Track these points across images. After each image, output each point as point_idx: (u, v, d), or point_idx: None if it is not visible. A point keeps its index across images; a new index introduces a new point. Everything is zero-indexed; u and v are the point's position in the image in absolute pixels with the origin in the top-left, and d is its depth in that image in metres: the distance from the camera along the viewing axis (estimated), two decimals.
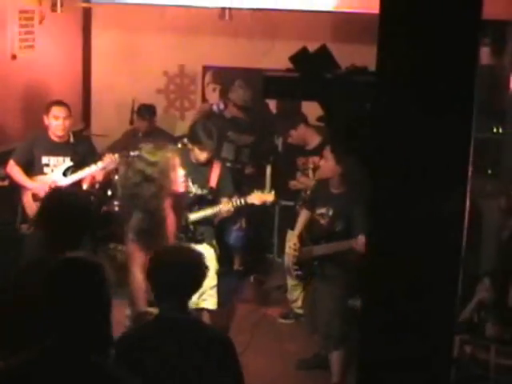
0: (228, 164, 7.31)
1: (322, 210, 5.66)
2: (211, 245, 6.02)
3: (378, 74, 2.52)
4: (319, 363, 5.86)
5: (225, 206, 5.88)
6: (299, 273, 5.84)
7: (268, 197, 6.05)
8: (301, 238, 5.83)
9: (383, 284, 2.61)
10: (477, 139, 2.57)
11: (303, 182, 6.87)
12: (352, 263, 5.32)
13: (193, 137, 5.93)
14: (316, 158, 6.47)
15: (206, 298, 5.89)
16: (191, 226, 5.90)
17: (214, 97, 8.66)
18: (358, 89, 2.67)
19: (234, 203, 5.90)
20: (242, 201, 5.95)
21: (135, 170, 4.52)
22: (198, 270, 3.27)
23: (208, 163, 6.01)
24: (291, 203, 7.49)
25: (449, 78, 2.44)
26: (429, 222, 2.53)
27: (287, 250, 5.96)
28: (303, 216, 5.97)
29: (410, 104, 2.47)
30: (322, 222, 5.66)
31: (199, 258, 3.33)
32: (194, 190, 5.99)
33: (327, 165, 5.62)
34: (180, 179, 4.73)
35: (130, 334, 3.18)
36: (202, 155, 5.89)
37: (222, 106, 7.78)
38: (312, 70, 2.67)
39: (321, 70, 2.69)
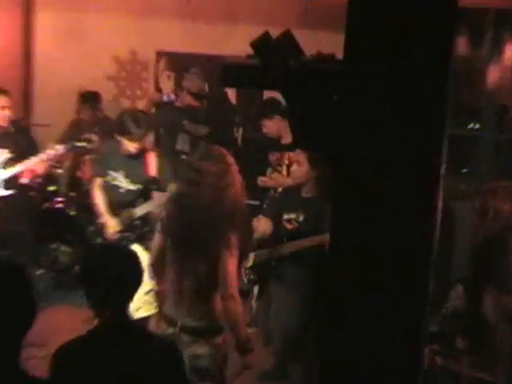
0: (183, 157, 7.30)
1: (291, 216, 5.60)
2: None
3: (346, 62, 2.53)
4: (281, 374, 5.87)
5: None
6: (252, 277, 5.80)
7: None
8: (259, 244, 5.77)
9: (346, 290, 2.61)
10: (450, 135, 2.59)
11: (275, 179, 6.80)
12: (313, 265, 5.30)
13: (120, 127, 5.90)
14: (292, 154, 6.38)
15: (141, 305, 5.76)
16: (138, 222, 5.89)
17: (168, 85, 8.63)
18: (324, 78, 2.67)
19: None
20: None
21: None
22: (135, 268, 3.23)
23: (140, 155, 6.00)
24: (253, 202, 7.49)
25: (421, 69, 2.45)
26: (397, 224, 2.53)
27: None
28: (261, 225, 5.81)
29: (379, 95, 2.47)
30: (289, 226, 5.60)
31: (134, 255, 3.29)
32: (125, 184, 5.98)
33: (300, 169, 5.54)
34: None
35: (71, 344, 3.15)
36: (131, 146, 5.87)
37: (172, 97, 7.76)
38: (274, 58, 2.67)
39: (284, 58, 2.68)
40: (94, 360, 3.03)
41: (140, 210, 5.94)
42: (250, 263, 5.75)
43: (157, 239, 4.73)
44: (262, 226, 5.76)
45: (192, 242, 4.34)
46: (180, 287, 4.38)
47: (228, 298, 4.27)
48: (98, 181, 6.13)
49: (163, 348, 3.25)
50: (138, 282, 3.23)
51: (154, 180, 5.99)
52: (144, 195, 5.99)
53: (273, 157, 6.92)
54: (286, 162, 6.60)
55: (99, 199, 6.08)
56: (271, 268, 5.60)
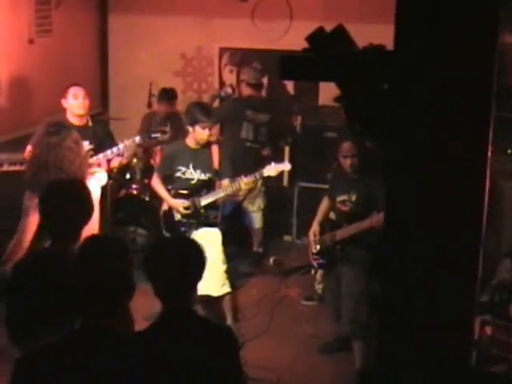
0: (248, 144, 7.34)
1: (344, 197, 5.61)
2: (219, 228, 6.09)
3: (396, 52, 2.49)
4: (341, 346, 5.83)
5: (246, 185, 5.90)
6: (321, 261, 5.80)
7: (284, 166, 6.03)
8: (321, 226, 5.80)
9: (402, 265, 2.58)
10: (497, 118, 2.53)
11: None
12: (375, 245, 5.28)
13: (190, 118, 5.96)
14: None
15: (225, 282, 5.95)
16: (202, 211, 5.94)
17: (230, 79, 8.63)
18: (375, 68, 2.63)
19: (253, 178, 5.90)
20: (258, 175, 5.95)
21: None
22: (198, 261, 3.13)
23: (205, 147, 6.06)
24: (311, 184, 7.54)
25: (468, 57, 2.39)
26: (448, 202, 2.50)
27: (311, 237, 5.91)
28: (324, 204, 5.93)
29: (428, 84, 2.43)
30: (345, 208, 5.61)
31: (198, 247, 3.19)
32: (197, 175, 6.03)
33: (354, 160, 5.53)
34: None
35: (138, 333, 3.12)
36: (203, 134, 5.90)
37: (229, 91, 7.75)
38: (329, 50, 2.64)
39: (337, 50, 2.65)
40: (155, 347, 2.96)
41: (204, 200, 5.99)
42: (315, 249, 5.76)
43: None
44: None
45: None
46: None
47: None
48: (157, 179, 6.23)
49: (221, 335, 3.18)
50: (200, 272, 3.15)
51: (216, 172, 6.07)
52: (207, 186, 6.05)
53: None
54: None
55: (160, 190, 6.18)
56: (337, 251, 5.60)
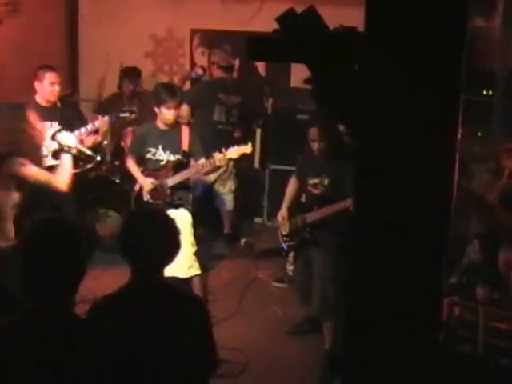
0: (220, 126, 7.32)
1: (316, 180, 5.60)
2: (188, 210, 6.06)
3: (367, 34, 2.47)
4: (310, 328, 5.85)
5: (220, 161, 5.85)
6: (291, 244, 5.81)
7: (246, 149, 6.00)
8: (290, 208, 5.81)
9: (370, 248, 2.58)
10: (466, 101, 2.53)
11: None
12: (343, 227, 5.29)
13: (156, 99, 5.94)
14: None
15: (193, 264, 5.94)
16: (169, 191, 5.92)
17: (202, 60, 8.57)
18: (346, 50, 2.61)
19: (215, 161, 5.85)
20: (224, 153, 5.92)
21: None
22: (173, 234, 3.15)
23: (174, 128, 6.03)
24: (282, 167, 7.53)
25: (438, 39, 2.39)
26: (417, 185, 2.50)
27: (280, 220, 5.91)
28: (292, 186, 5.91)
29: (398, 64, 2.42)
30: (316, 192, 5.62)
31: (172, 221, 3.21)
32: (166, 156, 6.02)
33: (320, 144, 5.53)
34: None
35: (102, 301, 3.11)
36: (169, 114, 5.88)
37: (199, 72, 7.72)
38: (299, 32, 2.61)
39: (308, 31, 2.62)
40: (124, 315, 2.98)
41: (171, 181, 5.98)
42: (285, 231, 5.76)
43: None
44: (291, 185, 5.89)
45: None
46: None
47: None
48: (130, 159, 6.22)
49: (189, 304, 3.20)
50: (174, 246, 3.15)
51: (185, 154, 6.03)
52: (176, 167, 6.02)
53: None
54: None
55: (133, 168, 6.18)
56: (307, 234, 5.61)
